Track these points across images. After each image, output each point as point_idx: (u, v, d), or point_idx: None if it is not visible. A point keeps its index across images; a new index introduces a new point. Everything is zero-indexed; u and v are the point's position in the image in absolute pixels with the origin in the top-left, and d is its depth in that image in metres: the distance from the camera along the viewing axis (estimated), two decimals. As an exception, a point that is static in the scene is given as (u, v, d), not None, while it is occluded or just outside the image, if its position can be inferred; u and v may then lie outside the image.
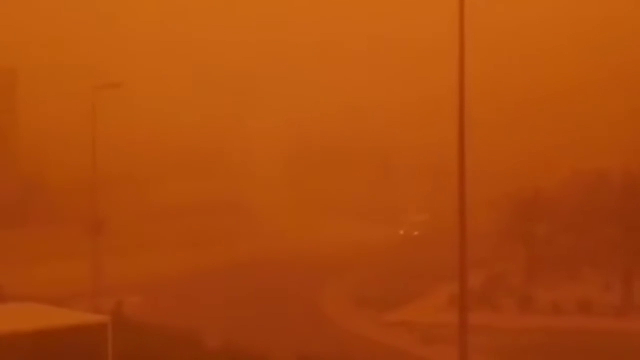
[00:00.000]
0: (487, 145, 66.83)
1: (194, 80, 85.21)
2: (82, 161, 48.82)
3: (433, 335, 34.92)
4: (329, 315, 41.15)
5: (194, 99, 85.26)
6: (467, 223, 20.43)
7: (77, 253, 47.20)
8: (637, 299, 39.82)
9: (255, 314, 39.67)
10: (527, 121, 78.79)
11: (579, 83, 78.63)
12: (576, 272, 45.61)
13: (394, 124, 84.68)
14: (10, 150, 75.57)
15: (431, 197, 72.48)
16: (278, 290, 45.60)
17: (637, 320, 37.41)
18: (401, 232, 65.90)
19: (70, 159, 66.39)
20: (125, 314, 27.01)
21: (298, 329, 36.21)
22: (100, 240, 41.82)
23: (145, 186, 76.90)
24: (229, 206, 76.82)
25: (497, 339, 34.29)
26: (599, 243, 47.10)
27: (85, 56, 79.25)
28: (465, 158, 20.36)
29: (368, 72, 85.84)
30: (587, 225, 48.16)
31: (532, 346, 34.02)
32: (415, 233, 65.47)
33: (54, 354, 16.64)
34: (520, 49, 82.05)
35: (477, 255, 23.75)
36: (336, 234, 66.20)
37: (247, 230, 69.98)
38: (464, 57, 20.49)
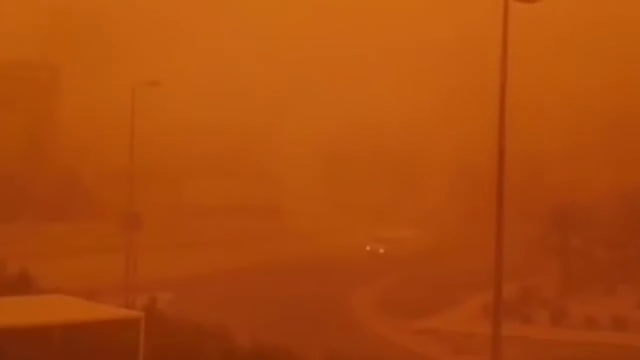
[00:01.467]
0: (525, 155, 66.17)
1: (231, 83, 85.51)
2: (120, 157, 49.18)
3: (464, 345, 34.63)
4: (359, 319, 41.01)
5: (231, 101, 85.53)
6: (503, 232, 20.17)
7: (112, 247, 47.54)
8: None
9: (285, 315, 39.64)
10: (566, 131, 77.91)
11: (622, 94, 77.55)
12: (611, 287, 45.02)
13: (430, 130, 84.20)
14: (50, 144, 76.42)
15: (466, 205, 71.99)
16: (309, 292, 45.54)
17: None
18: (368, 248, 61.51)
19: (108, 155, 66.92)
20: (159, 310, 27.11)
21: (327, 332, 36.11)
22: (136, 235, 42.07)
23: (181, 184, 77.33)
24: (263, 208, 76.95)
25: (530, 351, 33.91)
26: (636, 258, 46.54)
27: (125, 54, 79.86)
28: (505, 165, 20.10)
29: (409, 74, 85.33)
30: (623, 240, 47.61)
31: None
32: (381, 251, 60.73)
33: (85, 347, 16.67)
34: (564, 56, 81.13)
35: (511, 266, 23.45)
36: (368, 239, 65.85)
37: (279, 232, 70.09)
38: (506, 61, 20.23)
